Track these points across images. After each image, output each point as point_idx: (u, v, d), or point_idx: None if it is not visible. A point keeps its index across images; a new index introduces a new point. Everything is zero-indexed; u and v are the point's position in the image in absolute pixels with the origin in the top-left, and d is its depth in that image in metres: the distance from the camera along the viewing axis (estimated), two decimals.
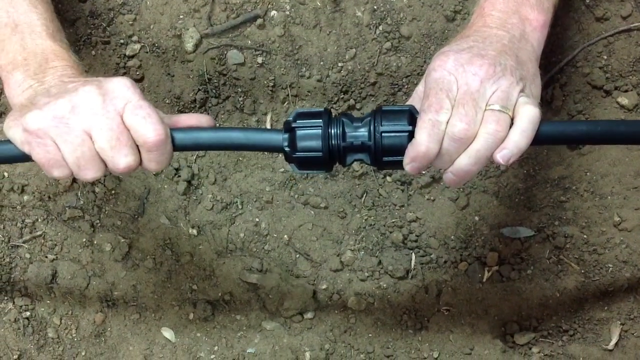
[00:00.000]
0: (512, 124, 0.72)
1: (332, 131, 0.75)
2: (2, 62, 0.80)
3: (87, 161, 0.72)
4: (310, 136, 0.75)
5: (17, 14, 0.81)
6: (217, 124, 1.17)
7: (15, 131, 0.74)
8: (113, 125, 0.70)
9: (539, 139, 0.73)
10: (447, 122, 0.71)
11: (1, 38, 0.81)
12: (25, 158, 0.75)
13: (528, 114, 0.71)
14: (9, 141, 0.76)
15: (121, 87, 0.72)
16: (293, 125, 0.76)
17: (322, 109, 0.77)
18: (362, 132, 0.75)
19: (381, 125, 0.74)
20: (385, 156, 0.75)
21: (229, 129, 0.79)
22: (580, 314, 1.19)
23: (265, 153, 1.19)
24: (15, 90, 0.78)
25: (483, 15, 0.81)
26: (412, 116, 0.74)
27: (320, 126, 0.75)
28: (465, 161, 0.72)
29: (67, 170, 0.73)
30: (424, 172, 1.16)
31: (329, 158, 0.76)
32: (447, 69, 0.73)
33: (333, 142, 0.75)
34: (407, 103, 0.80)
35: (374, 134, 0.74)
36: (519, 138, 0.71)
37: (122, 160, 0.71)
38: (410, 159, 0.73)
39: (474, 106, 0.70)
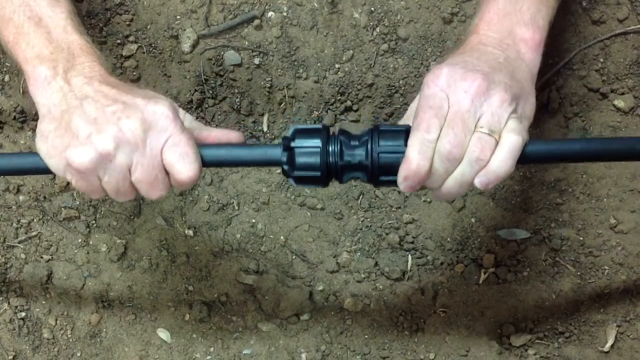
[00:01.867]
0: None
1: (330, 149, 0.76)
2: (28, 56, 0.78)
3: (125, 191, 0.74)
4: (308, 155, 0.76)
5: (40, 8, 0.80)
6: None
7: (57, 162, 0.74)
8: (154, 163, 0.72)
9: (527, 160, 0.74)
10: (437, 141, 0.71)
11: (26, 31, 0.79)
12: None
13: (510, 143, 0.71)
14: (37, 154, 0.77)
15: (163, 119, 0.73)
16: (292, 145, 0.77)
17: (320, 126, 0.78)
18: (360, 151, 0.76)
19: (378, 146, 0.75)
20: (382, 175, 0.76)
21: (230, 145, 0.80)
22: (576, 316, 1.18)
23: None
24: (43, 88, 0.76)
25: (479, 35, 0.81)
26: (409, 136, 0.74)
27: (319, 146, 0.76)
28: (450, 184, 0.73)
29: (104, 195, 0.75)
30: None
31: (326, 177, 0.77)
32: (439, 85, 0.73)
33: (331, 160, 0.76)
34: (403, 118, 0.81)
35: (371, 154, 0.75)
36: (497, 166, 0.71)
37: (156, 194, 0.74)
38: (403, 178, 0.73)
39: (463, 128, 0.71)
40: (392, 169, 0.74)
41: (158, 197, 0.75)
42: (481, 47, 0.79)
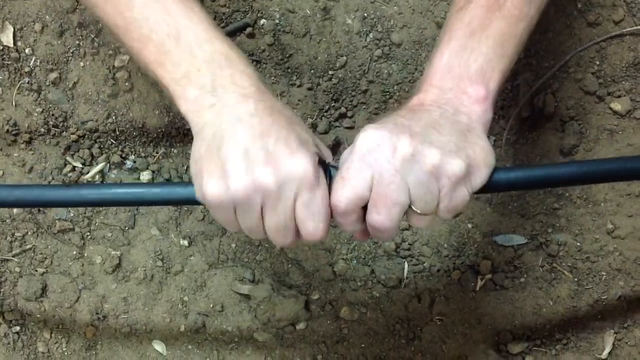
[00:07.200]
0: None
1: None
2: (176, 76, 0.69)
3: (259, 232, 0.68)
4: None
5: (177, 21, 0.70)
6: None
7: (197, 187, 0.68)
8: (284, 215, 0.66)
9: (496, 188, 0.70)
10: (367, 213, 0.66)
11: (167, 49, 0.69)
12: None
13: (445, 217, 0.68)
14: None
15: (300, 176, 0.65)
16: None
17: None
18: None
19: None
20: None
21: None
22: (574, 323, 1.10)
23: None
24: (195, 108, 0.68)
25: (419, 93, 0.73)
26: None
27: None
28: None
29: (240, 228, 0.69)
30: None
31: None
32: (365, 145, 0.65)
33: None
34: None
35: None
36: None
37: (284, 242, 0.68)
38: (332, 204, 0.67)
39: (388, 206, 0.64)
40: None
41: (287, 245, 0.69)
42: (418, 106, 0.71)
